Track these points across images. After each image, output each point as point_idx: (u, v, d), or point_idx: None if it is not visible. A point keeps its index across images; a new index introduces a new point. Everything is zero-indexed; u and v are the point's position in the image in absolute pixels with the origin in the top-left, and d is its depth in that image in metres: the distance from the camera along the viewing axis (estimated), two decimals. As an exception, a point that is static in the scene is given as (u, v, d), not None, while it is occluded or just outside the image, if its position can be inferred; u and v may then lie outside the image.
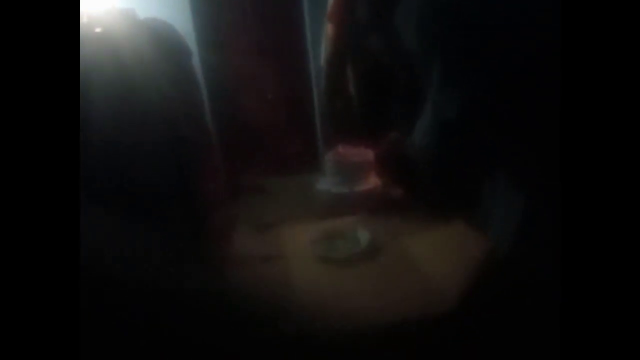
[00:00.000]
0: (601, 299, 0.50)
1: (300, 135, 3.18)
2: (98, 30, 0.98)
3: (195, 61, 1.84)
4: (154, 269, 0.90)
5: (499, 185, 0.94)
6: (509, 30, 0.76)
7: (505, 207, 0.91)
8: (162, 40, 1.03)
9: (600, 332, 0.49)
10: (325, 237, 1.07)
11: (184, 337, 0.75)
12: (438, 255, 0.97)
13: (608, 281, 0.50)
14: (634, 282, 0.48)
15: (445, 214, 1.09)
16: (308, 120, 3.17)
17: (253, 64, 3.04)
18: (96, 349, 0.66)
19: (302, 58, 3.05)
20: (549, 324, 0.53)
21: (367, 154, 1.32)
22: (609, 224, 0.51)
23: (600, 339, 0.49)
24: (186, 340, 0.75)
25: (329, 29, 1.68)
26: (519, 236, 0.87)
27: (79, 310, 0.51)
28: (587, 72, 0.53)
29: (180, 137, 1.03)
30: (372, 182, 1.29)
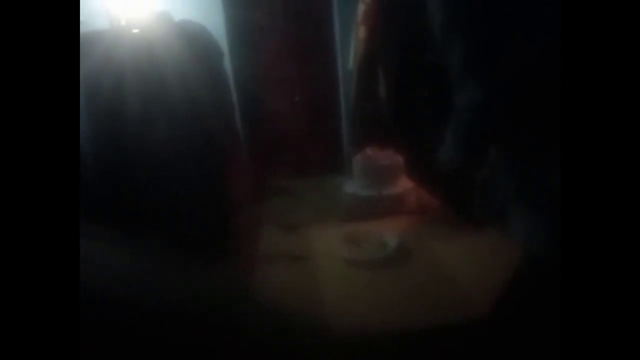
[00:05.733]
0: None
1: (327, 137, 3.18)
2: (135, 31, 1.01)
3: (226, 62, 1.86)
4: (180, 267, 0.91)
5: (528, 191, 0.92)
6: (524, 33, 0.76)
7: (535, 213, 0.89)
8: (195, 42, 1.05)
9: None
10: (351, 239, 1.06)
11: (210, 334, 0.75)
12: (467, 261, 0.95)
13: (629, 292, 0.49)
14: None
15: (475, 220, 1.06)
16: (335, 122, 3.17)
17: (282, 66, 3.06)
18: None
19: (330, 60, 3.05)
20: (575, 331, 0.52)
21: (396, 158, 1.30)
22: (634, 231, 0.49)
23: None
24: (212, 337, 0.75)
25: (360, 32, 1.67)
26: (549, 242, 0.84)
27: (80, 314, 0.50)
28: (591, 73, 0.53)
29: (209, 137, 1.04)
30: (401, 185, 1.28)
